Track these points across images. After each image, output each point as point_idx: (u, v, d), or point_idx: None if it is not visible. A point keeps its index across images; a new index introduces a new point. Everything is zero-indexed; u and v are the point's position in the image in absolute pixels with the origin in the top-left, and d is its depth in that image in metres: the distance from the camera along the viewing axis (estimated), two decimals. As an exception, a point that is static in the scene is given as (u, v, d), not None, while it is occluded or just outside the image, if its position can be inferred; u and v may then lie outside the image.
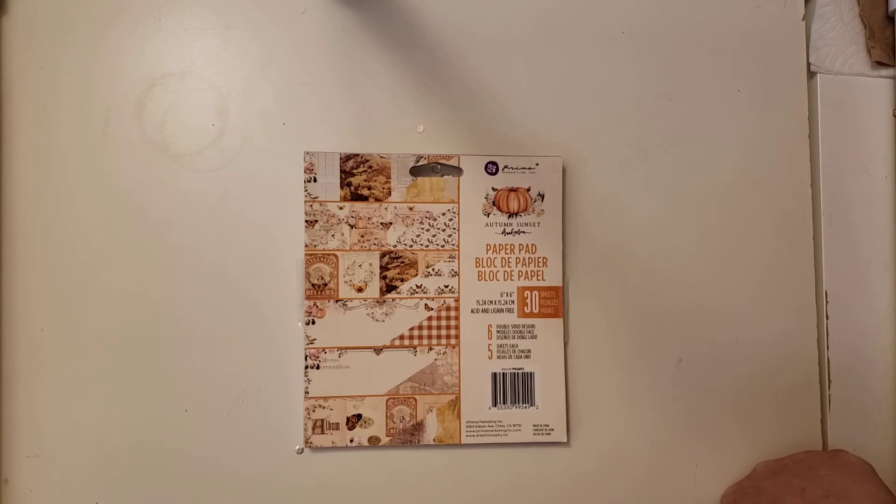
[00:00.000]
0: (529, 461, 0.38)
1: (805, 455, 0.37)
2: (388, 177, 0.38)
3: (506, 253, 0.38)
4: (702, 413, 0.39)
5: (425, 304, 0.38)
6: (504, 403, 0.38)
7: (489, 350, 0.38)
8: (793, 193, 0.41)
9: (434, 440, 0.37)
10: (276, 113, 0.38)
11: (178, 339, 0.37)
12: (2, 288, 0.36)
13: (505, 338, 0.38)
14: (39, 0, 0.37)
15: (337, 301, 0.37)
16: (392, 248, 0.38)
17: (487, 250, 0.38)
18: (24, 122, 0.37)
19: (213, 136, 0.38)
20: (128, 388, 0.36)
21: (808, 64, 0.41)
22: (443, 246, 0.38)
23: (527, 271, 0.38)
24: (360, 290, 0.37)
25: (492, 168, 0.38)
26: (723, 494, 0.39)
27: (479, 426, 0.38)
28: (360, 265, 0.37)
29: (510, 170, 0.38)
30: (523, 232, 0.39)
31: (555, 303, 0.38)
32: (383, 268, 0.38)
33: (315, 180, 0.37)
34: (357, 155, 0.38)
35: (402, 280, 0.38)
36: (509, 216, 0.38)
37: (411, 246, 0.38)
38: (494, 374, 0.38)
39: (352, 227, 0.37)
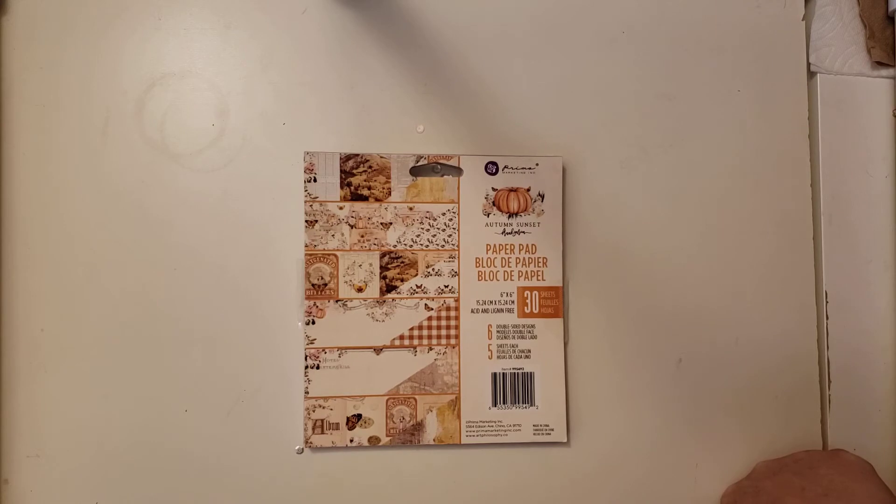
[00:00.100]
0: (529, 461, 0.38)
1: (805, 454, 0.37)
2: (388, 177, 0.38)
3: (506, 253, 0.38)
4: (702, 413, 0.39)
5: (425, 304, 0.38)
6: (504, 403, 0.38)
7: (489, 350, 0.38)
8: (793, 193, 0.41)
9: (434, 440, 0.37)
10: (276, 113, 0.38)
11: (178, 339, 0.37)
12: (2, 288, 0.36)
13: (505, 338, 0.38)
14: (39, 0, 0.37)
15: (337, 301, 0.37)
16: (392, 248, 0.38)
17: (487, 250, 0.38)
18: (24, 122, 0.37)
19: (213, 136, 0.38)
20: (128, 388, 0.36)
21: (808, 64, 0.41)
22: (443, 246, 0.38)
23: (527, 271, 0.38)
24: (360, 290, 0.37)
25: (492, 168, 0.38)
26: (723, 494, 0.39)
27: (479, 426, 0.38)
28: (360, 265, 0.37)
29: (510, 170, 0.38)
30: (523, 232, 0.39)
31: (555, 303, 0.38)
32: (383, 268, 0.38)
33: (315, 180, 0.37)
34: (357, 155, 0.38)
35: (402, 280, 0.38)
36: (509, 216, 0.38)
37: (411, 246, 0.38)
38: (494, 374, 0.38)
39: (352, 227, 0.37)
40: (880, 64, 0.42)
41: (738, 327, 0.40)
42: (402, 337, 0.37)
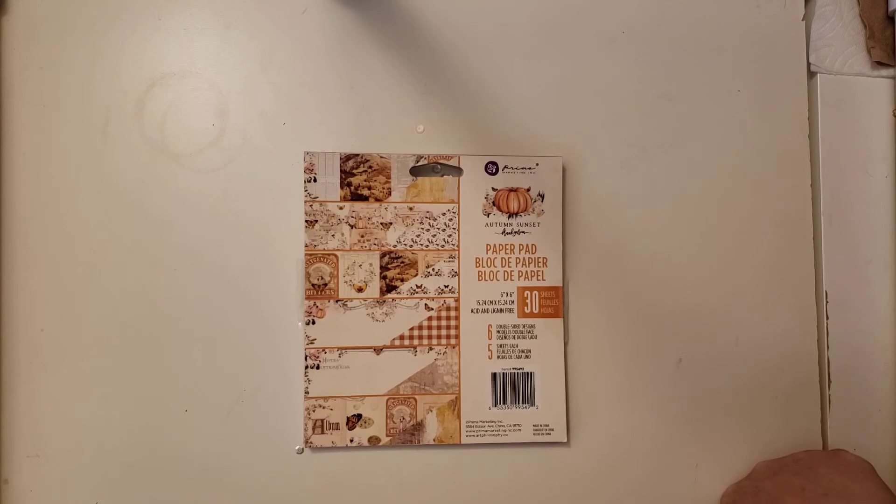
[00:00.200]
0: (529, 461, 0.38)
1: (805, 454, 0.37)
2: (388, 177, 0.38)
3: (506, 253, 0.38)
4: (702, 413, 0.39)
5: (425, 304, 0.38)
6: (504, 403, 0.38)
7: (489, 350, 0.38)
8: (793, 193, 0.41)
9: (434, 440, 0.37)
10: (276, 113, 0.38)
11: (178, 339, 0.37)
12: (2, 288, 0.36)
13: (505, 338, 0.38)
14: (39, 0, 0.37)
15: (337, 301, 0.37)
16: (392, 248, 0.38)
17: (487, 250, 0.38)
18: (24, 122, 0.37)
19: (213, 136, 0.38)
20: (128, 388, 0.36)
21: (808, 64, 0.41)
22: (443, 246, 0.38)
23: (527, 271, 0.38)
24: (360, 290, 0.37)
25: (492, 168, 0.38)
26: (722, 494, 0.39)
27: (479, 426, 0.38)
28: (360, 265, 0.37)
29: (510, 170, 0.38)
30: (523, 232, 0.39)
31: (555, 303, 0.38)
32: (383, 268, 0.38)
33: (315, 180, 0.37)
34: (357, 155, 0.38)
35: (402, 280, 0.38)
36: (509, 216, 0.38)
37: (411, 246, 0.38)
38: (494, 374, 0.38)
39: (352, 227, 0.37)
40: (880, 64, 0.42)
41: (738, 327, 0.40)
42: (402, 337, 0.37)
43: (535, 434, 0.38)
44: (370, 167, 0.38)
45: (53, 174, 0.37)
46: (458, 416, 0.37)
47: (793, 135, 0.41)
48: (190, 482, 0.36)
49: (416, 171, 0.38)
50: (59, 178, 0.37)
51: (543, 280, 0.38)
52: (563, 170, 0.39)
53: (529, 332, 0.38)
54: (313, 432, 0.37)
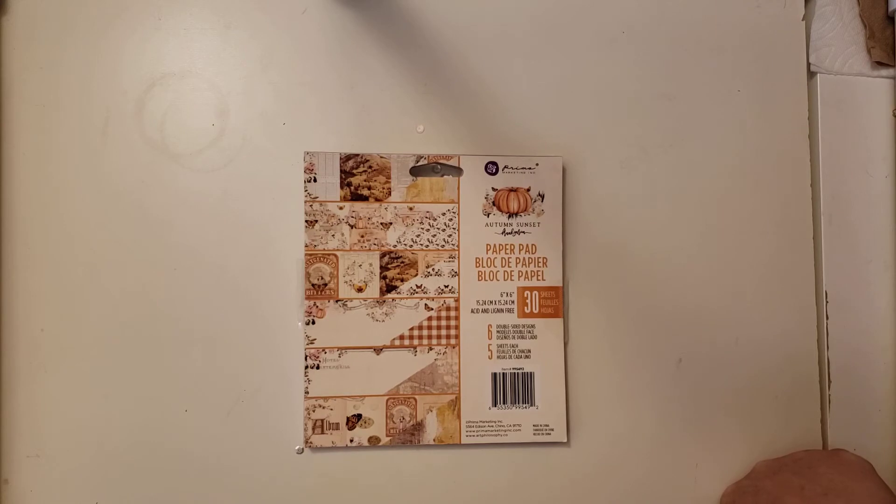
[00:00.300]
0: (529, 461, 0.38)
1: (804, 454, 0.37)
2: (388, 177, 0.38)
3: (506, 253, 0.38)
4: (702, 413, 0.39)
5: (425, 304, 0.38)
6: (504, 403, 0.38)
7: (489, 350, 0.38)
8: (793, 193, 0.41)
9: (434, 440, 0.37)
10: (276, 113, 0.38)
11: (178, 339, 0.37)
12: (2, 288, 0.36)
13: (505, 338, 0.38)
14: (39, 0, 0.37)
15: (337, 301, 0.37)
16: (392, 248, 0.38)
17: (487, 250, 0.38)
18: (24, 122, 0.37)
19: (213, 136, 0.38)
20: (128, 388, 0.36)
21: (808, 64, 0.41)
22: (443, 246, 0.38)
23: (527, 271, 0.38)
24: (360, 290, 0.37)
25: (492, 168, 0.38)
26: (722, 494, 0.39)
27: (479, 426, 0.38)
28: (360, 265, 0.37)
29: (510, 170, 0.38)
30: (523, 232, 0.39)
31: (555, 303, 0.38)
32: (383, 268, 0.38)
33: (315, 180, 0.37)
34: (357, 155, 0.38)
35: (402, 280, 0.38)
36: (509, 216, 0.38)
37: (411, 246, 0.38)
38: (494, 374, 0.38)
39: (352, 227, 0.38)
40: (880, 64, 0.42)
41: (738, 327, 0.40)
42: (402, 337, 0.37)
43: (535, 434, 0.38)
44: (370, 167, 0.38)
45: (53, 174, 0.37)
46: (458, 416, 0.37)
47: (793, 135, 0.41)
48: (190, 482, 0.36)
49: (416, 171, 0.38)
50: (59, 178, 0.37)
51: (543, 280, 0.38)
52: (563, 170, 0.39)
53: (529, 332, 0.38)
54: (313, 432, 0.37)
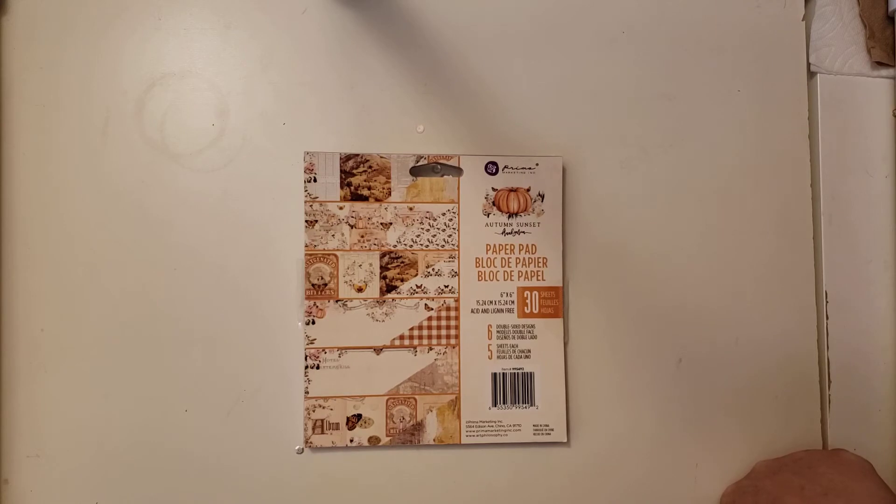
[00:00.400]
0: (529, 461, 0.38)
1: (804, 454, 0.37)
2: (388, 177, 0.38)
3: (506, 253, 0.38)
4: (701, 413, 0.39)
5: (425, 304, 0.38)
6: (504, 403, 0.38)
7: (489, 350, 0.38)
8: (793, 193, 0.41)
9: (434, 440, 0.37)
10: (276, 113, 0.38)
11: (178, 339, 0.37)
12: (2, 288, 0.36)
13: (505, 338, 0.38)
14: (39, 0, 0.37)
15: (337, 301, 0.37)
16: (392, 248, 0.38)
17: (487, 250, 0.38)
18: (24, 122, 0.37)
19: (213, 136, 0.38)
20: (128, 388, 0.36)
21: (808, 64, 0.41)
22: (443, 246, 0.38)
23: (527, 271, 0.38)
24: (360, 290, 0.37)
25: (492, 168, 0.38)
26: (722, 494, 0.39)
27: (479, 426, 0.38)
28: (360, 265, 0.37)
29: (510, 170, 0.38)
30: (523, 232, 0.39)
31: (555, 303, 0.38)
32: (383, 268, 0.38)
33: (315, 180, 0.37)
34: (357, 155, 0.38)
35: (402, 280, 0.38)
36: (509, 216, 0.38)
37: (411, 246, 0.38)
38: (494, 374, 0.38)
39: (352, 227, 0.38)
40: (880, 64, 0.42)
41: (738, 327, 0.40)
42: (402, 337, 0.37)
43: (535, 434, 0.38)
44: (370, 167, 0.38)
45: (53, 174, 0.37)
46: (458, 416, 0.37)
47: (793, 135, 0.41)
48: (190, 482, 0.36)
49: (416, 171, 0.38)
50: (59, 178, 0.37)
51: (543, 280, 0.38)
52: (563, 170, 0.39)
53: (529, 332, 0.38)
54: (313, 432, 0.37)
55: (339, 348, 0.37)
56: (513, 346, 0.38)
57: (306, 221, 0.37)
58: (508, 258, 0.38)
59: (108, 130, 0.37)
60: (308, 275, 0.37)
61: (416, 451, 0.38)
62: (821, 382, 0.40)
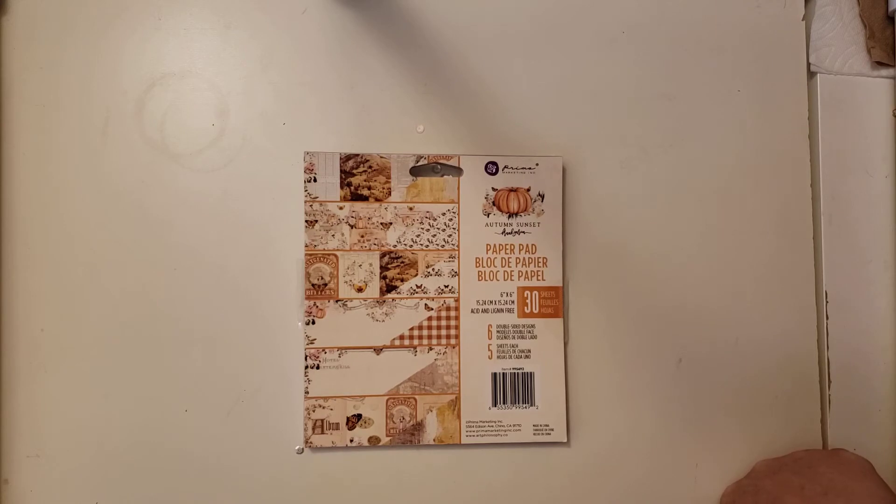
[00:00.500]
0: (529, 461, 0.38)
1: (804, 453, 0.37)
2: (388, 177, 0.38)
3: (506, 253, 0.38)
4: (701, 413, 0.39)
5: (425, 304, 0.38)
6: (504, 403, 0.38)
7: (489, 350, 0.38)
8: (793, 193, 0.41)
9: (434, 440, 0.37)
10: (276, 113, 0.38)
11: (178, 339, 0.37)
12: (2, 288, 0.36)
13: (505, 338, 0.38)
14: (39, 0, 0.37)
15: (337, 301, 0.37)
16: (392, 248, 0.38)
17: (487, 250, 0.38)
18: (24, 122, 0.37)
19: (213, 136, 0.38)
20: (128, 388, 0.36)
21: (808, 64, 0.41)
22: (443, 246, 0.38)
23: (527, 271, 0.38)
24: (360, 290, 0.37)
25: (492, 168, 0.38)
26: (722, 494, 0.39)
27: (479, 426, 0.38)
28: (360, 265, 0.37)
29: (510, 170, 0.38)
30: (523, 232, 0.39)
31: (555, 303, 0.38)
32: (383, 268, 0.38)
33: (315, 180, 0.37)
34: (357, 155, 0.38)
35: (402, 280, 0.38)
36: (509, 216, 0.38)
37: (411, 246, 0.38)
38: (494, 374, 0.38)
39: (352, 227, 0.38)
40: (880, 64, 0.42)
41: (738, 327, 0.40)
42: (402, 337, 0.37)
43: (535, 434, 0.38)
44: (370, 167, 0.38)
45: (53, 174, 0.37)
46: (458, 416, 0.37)
47: (793, 135, 0.41)
48: (190, 482, 0.36)
49: (416, 171, 0.38)
50: (59, 178, 0.37)
51: (543, 280, 0.38)
52: (563, 170, 0.39)
53: (529, 332, 0.38)
54: (313, 432, 0.37)
55: (339, 348, 0.37)
56: (513, 346, 0.38)
57: (306, 221, 0.37)
58: (508, 258, 0.38)
59: (108, 130, 0.37)
60: (308, 275, 0.37)
61: (416, 451, 0.38)
62: (821, 382, 0.40)
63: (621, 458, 0.39)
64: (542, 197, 0.39)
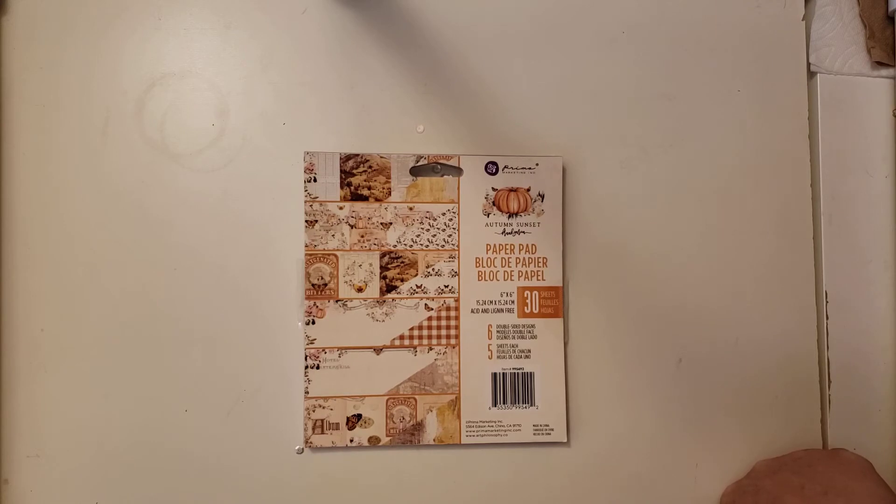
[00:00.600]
0: (529, 461, 0.38)
1: (804, 453, 0.37)
2: (388, 177, 0.38)
3: (506, 253, 0.38)
4: (701, 413, 0.39)
5: (425, 304, 0.38)
6: (504, 403, 0.38)
7: (489, 350, 0.38)
8: (793, 193, 0.41)
9: (434, 440, 0.37)
10: (276, 113, 0.38)
11: (178, 339, 0.37)
12: (2, 288, 0.36)
13: (505, 338, 0.38)
14: (39, 0, 0.37)
15: (337, 301, 0.37)
16: (392, 248, 0.38)
17: (487, 250, 0.38)
18: (24, 122, 0.37)
19: (213, 136, 0.38)
20: (128, 388, 0.36)
21: (808, 64, 0.41)
22: (443, 246, 0.38)
23: (527, 271, 0.38)
24: (360, 290, 0.37)
25: (492, 168, 0.38)
26: (722, 493, 0.39)
27: (479, 426, 0.38)
28: (360, 265, 0.37)
29: (510, 170, 0.38)
30: (523, 232, 0.39)
31: (555, 303, 0.38)
32: (383, 268, 0.38)
33: (315, 180, 0.37)
34: (357, 155, 0.38)
35: (402, 280, 0.38)
36: (509, 216, 0.38)
37: (411, 246, 0.38)
38: (494, 374, 0.38)
39: (352, 227, 0.38)
40: (880, 64, 0.42)
41: (738, 327, 0.40)
42: (402, 337, 0.37)
43: (535, 434, 0.38)
44: (370, 167, 0.38)
45: (53, 174, 0.37)
46: (458, 416, 0.37)
47: (793, 135, 0.41)
48: (190, 482, 0.36)
49: (416, 171, 0.38)
50: (59, 178, 0.37)
51: (543, 280, 0.38)
52: (563, 170, 0.39)
53: (529, 332, 0.38)
54: (313, 432, 0.37)
55: (339, 348, 0.37)
56: (513, 346, 0.38)
57: (306, 221, 0.37)
58: (508, 258, 0.38)
59: (108, 130, 0.37)
60: (308, 275, 0.37)
61: (416, 451, 0.38)
62: (821, 382, 0.40)
63: (621, 458, 0.39)
64: (542, 197, 0.39)
